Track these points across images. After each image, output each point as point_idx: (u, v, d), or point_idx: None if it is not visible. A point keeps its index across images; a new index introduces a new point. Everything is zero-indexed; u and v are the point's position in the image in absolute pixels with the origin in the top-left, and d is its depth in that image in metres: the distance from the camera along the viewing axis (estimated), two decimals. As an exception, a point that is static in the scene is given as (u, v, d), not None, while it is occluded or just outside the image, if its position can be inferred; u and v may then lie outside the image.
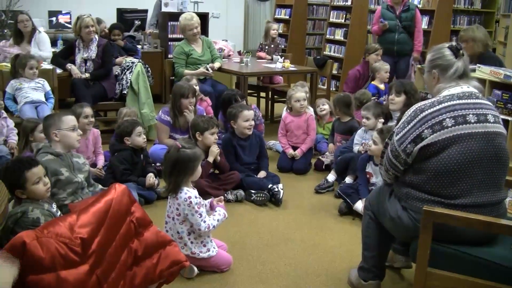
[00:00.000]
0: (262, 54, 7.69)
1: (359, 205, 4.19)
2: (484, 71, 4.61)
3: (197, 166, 3.24)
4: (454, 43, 2.74)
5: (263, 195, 4.55)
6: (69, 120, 3.71)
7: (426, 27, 7.58)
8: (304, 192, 4.86)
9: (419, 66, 5.57)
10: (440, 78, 2.74)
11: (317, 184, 4.93)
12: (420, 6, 8.04)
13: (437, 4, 8.03)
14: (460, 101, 2.59)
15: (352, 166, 4.69)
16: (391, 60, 7.03)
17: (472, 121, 2.55)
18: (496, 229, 2.51)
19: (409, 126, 2.63)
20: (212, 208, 3.33)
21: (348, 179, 4.70)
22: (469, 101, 2.60)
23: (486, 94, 4.54)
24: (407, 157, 2.64)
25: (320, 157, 5.57)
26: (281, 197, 4.54)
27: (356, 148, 4.87)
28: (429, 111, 2.59)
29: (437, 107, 2.58)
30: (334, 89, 9.06)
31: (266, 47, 7.68)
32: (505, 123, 2.70)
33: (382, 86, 6.22)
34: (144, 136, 4.65)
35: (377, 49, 6.65)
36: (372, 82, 6.30)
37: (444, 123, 2.54)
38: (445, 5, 8.10)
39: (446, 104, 2.59)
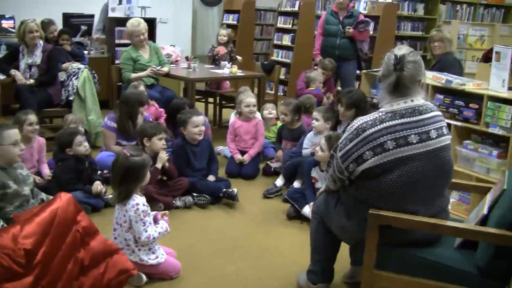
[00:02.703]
0: (221, 48, 7.62)
1: (307, 210, 4.24)
2: (427, 76, 4.73)
3: (146, 173, 3.23)
4: (400, 55, 2.62)
5: (204, 199, 4.60)
6: (11, 134, 3.57)
7: (371, 32, 7.72)
8: (253, 197, 4.88)
9: (365, 71, 5.66)
10: (382, 87, 2.71)
11: (266, 189, 4.96)
12: (365, 12, 8.19)
13: (382, 11, 8.20)
14: (402, 120, 2.57)
15: (300, 170, 4.72)
16: None
17: (414, 141, 2.55)
18: (440, 230, 2.60)
19: (351, 144, 2.62)
20: (155, 221, 3.30)
21: (296, 184, 4.75)
22: (411, 119, 2.58)
23: (429, 99, 4.65)
24: (350, 174, 2.67)
25: (268, 162, 5.61)
26: (235, 193, 4.62)
27: (305, 152, 4.92)
28: (371, 131, 2.57)
29: (379, 127, 2.56)
30: (281, 93, 9.14)
31: (219, 58, 7.66)
32: (447, 126, 2.80)
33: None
34: (86, 144, 4.55)
35: (329, 68, 6.86)
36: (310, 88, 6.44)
37: (385, 146, 2.54)
38: (389, 11, 8.28)
39: (387, 124, 2.56)
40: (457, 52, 7.63)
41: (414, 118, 2.59)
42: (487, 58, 6.45)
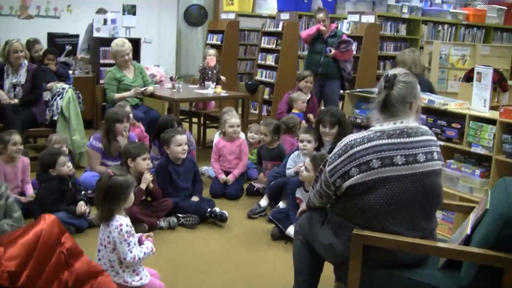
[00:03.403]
0: (211, 60, 7.61)
1: (291, 230, 4.23)
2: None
3: (130, 193, 3.21)
4: (392, 74, 2.67)
5: (193, 219, 4.58)
6: None
7: (354, 53, 7.79)
8: (237, 217, 4.87)
9: (348, 91, 5.70)
10: (373, 106, 2.72)
11: (250, 209, 4.96)
12: (348, 32, 8.26)
13: (365, 31, 8.28)
14: (389, 141, 2.59)
15: (285, 191, 4.74)
16: (317, 83, 7.19)
17: (400, 163, 2.56)
18: (423, 251, 2.61)
19: (339, 160, 2.65)
20: (140, 243, 3.27)
21: (281, 204, 4.76)
22: (398, 140, 2.59)
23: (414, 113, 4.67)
24: (336, 190, 2.69)
25: (252, 182, 5.61)
26: (226, 216, 4.62)
27: (289, 172, 4.93)
28: (358, 148, 2.59)
29: (366, 145, 2.59)
30: (265, 113, 9.16)
31: (209, 72, 7.68)
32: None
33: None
34: (69, 165, 4.51)
35: (307, 76, 6.81)
36: (293, 111, 6.46)
37: (371, 164, 2.56)
38: (372, 31, 8.36)
39: (375, 142, 2.58)
40: (440, 71, 7.73)
41: (402, 140, 2.60)
42: (468, 77, 6.52)
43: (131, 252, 3.12)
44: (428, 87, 5.42)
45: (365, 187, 2.58)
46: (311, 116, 6.68)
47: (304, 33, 7.56)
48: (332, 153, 2.74)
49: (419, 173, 2.60)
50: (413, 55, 5.54)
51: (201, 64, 7.79)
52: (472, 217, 2.78)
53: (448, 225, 4.52)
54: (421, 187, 2.61)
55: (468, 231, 2.63)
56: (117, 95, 6.35)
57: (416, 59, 5.51)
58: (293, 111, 6.46)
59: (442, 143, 4.44)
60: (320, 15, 7.31)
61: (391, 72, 2.69)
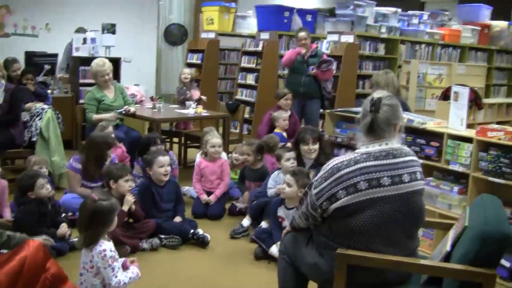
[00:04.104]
0: (195, 93, 7.64)
1: (274, 249, 4.25)
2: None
3: (114, 217, 3.21)
4: (377, 97, 2.72)
5: (175, 240, 4.57)
6: None
7: (334, 72, 7.86)
8: (220, 237, 4.87)
9: (328, 111, 5.76)
10: (359, 129, 2.77)
11: (232, 229, 4.96)
12: (327, 51, 8.35)
13: (344, 50, 8.37)
14: (376, 162, 2.63)
15: (267, 210, 4.75)
16: (298, 102, 7.25)
17: (386, 184, 2.60)
18: (406, 268, 2.65)
19: (326, 183, 2.67)
20: (124, 268, 3.25)
21: (264, 224, 4.77)
22: (385, 161, 2.64)
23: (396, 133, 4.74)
24: (323, 212, 2.71)
25: (234, 202, 5.62)
26: (208, 239, 4.60)
27: (270, 192, 4.96)
28: (345, 171, 2.63)
29: (353, 168, 2.62)
30: (246, 132, 9.19)
31: (187, 91, 7.70)
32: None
33: (285, 134, 6.49)
34: (48, 187, 4.43)
35: (286, 93, 6.86)
36: (276, 130, 6.50)
37: (358, 186, 2.59)
38: (351, 51, 8.45)
39: (361, 165, 2.62)
40: (417, 90, 7.84)
41: (388, 161, 2.65)
42: (445, 96, 6.63)
43: (116, 277, 3.10)
44: (402, 107, 5.50)
45: (352, 209, 2.61)
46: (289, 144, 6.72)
47: (284, 59, 7.59)
48: (318, 176, 2.77)
49: (405, 193, 2.65)
50: (387, 76, 5.62)
51: (180, 88, 7.82)
52: (451, 234, 2.83)
53: (428, 241, 4.57)
54: (406, 207, 2.66)
55: (448, 248, 2.68)
56: (96, 117, 6.29)
57: (390, 81, 5.60)
58: (276, 130, 6.50)
59: (421, 161, 4.44)
60: (302, 34, 7.38)
61: (376, 95, 2.74)
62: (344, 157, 2.72)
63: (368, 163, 2.63)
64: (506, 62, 11.34)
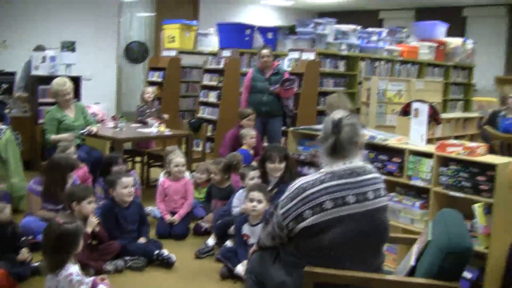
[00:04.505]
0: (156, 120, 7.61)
1: (240, 268, 4.24)
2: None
3: (80, 240, 3.16)
4: (337, 118, 2.78)
5: (140, 261, 4.52)
6: None
7: (296, 89, 7.92)
8: (185, 257, 4.83)
9: (292, 128, 5.79)
10: (322, 150, 2.81)
11: (197, 249, 4.93)
12: (289, 69, 8.41)
13: (305, 68, 8.45)
14: (341, 181, 2.67)
15: (232, 229, 4.75)
16: (260, 121, 7.28)
17: (351, 202, 2.65)
18: (374, 284, 2.68)
19: (292, 203, 2.70)
20: (95, 286, 3.22)
21: (229, 243, 4.76)
22: (349, 180, 2.69)
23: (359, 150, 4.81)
24: (289, 232, 2.73)
25: (199, 221, 5.59)
26: (174, 260, 4.56)
27: (235, 210, 4.96)
28: (311, 191, 2.67)
29: (318, 187, 2.66)
30: (209, 151, 9.18)
31: (147, 110, 7.66)
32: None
33: (252, 152, 6.51)
34: (6, 212, 4.32)
35: (250, 114, 6.89)
36: (243, 147, 6.51)
37: (324, 205, 2.63)
38: (312, 68, 8.54)
39: (327, 184, 2.66)
40: (378, 106, 7.97)
41: (352, 179, 2.70)
42: (405, 111, 6.75)
43: (83, 300, 3.06)
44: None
45: (319, 227, 2.64)
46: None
47: (242, 99, 7.67)
48: (284, 196, 2.79)
49: (370, 210, 2.70)
50: (339, 98, 5.84)
51: (140, 106, 7.78)
52: (415, 249, 2.88)
53: (392, 256, 4.61)
54: (371, 224, 2.70)
55: (413, 262, 2.73)
56: (54, 137, 6.20)
57: (342, 102, 5.82)
58: (243, 147, 6.51)
59: (383, 177, 4.51)
60: (265, 51, 7.41)
61: (336, 116, 2.80)
62: (309, 177, 2.76)
63: (333, 182, 2.67)
64: (461, 77, 11.64)
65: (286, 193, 2.79)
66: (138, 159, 7.72)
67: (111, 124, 7.21)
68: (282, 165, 4.93)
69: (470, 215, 3.89)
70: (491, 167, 3.83)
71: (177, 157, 5.61)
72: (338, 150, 2.74)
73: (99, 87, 11.08)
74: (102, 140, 7.01)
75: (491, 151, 4.30)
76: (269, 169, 4.94)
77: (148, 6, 13.04)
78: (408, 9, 14.54)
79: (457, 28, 13.08)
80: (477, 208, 3.86)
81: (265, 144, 7.48)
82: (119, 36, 12.33)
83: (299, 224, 2.68)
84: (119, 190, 4.76)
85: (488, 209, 3.87)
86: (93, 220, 4.43)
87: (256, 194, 4.31)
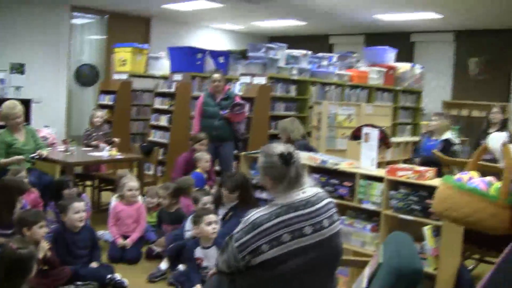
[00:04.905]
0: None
1: (194, 292, 4.25)
2: (303, 157, 4.98)
3: (34, 265, 3.12)
4: (285, 151, 2.80)
5: (92, 286, 4.47)
6: None
7: (247, 113, 7.97)
8: (138, 281, 4.79)
9: (244, 153, 5.82)
10: (274, 185, 2.83)
11: (150, 273, 4.90)
12: (240, 93, 8.45)
13: (257, 92, 8.50)
14: (297, 213, 2.70)
15: (185, 253, 4.75)
16: (211, 145, 7.30)
17: (309, 232, 2.69)
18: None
19: (248, 236, 2.70)
20: None
21: (181, 267, 4.75)
22: (305, 211, 2.72)
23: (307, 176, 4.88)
24: (246, 264, 2.74)
25: (151, 245, 5.56)
26: (126, 284, 4.52)
27: (188, 234, 4.96)
28: (267, 225, 2.67)
29: (275, 221, 2.67)
30: (160, 174, 9.12)
31: (94, 134, 7.60)
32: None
33: (206, 175, 6.54)
34: None
35: (202, 138, 6.93)
36: (196, 170, 6.53)
37: (281, 239, 2.65)
38: (263, 92, 8.59)
39: (283, 218, 2.68)
40: (328, 130, 8.10)
41: (308, 210, 2.73)
42: (355, 135, 6.90)
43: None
44: (307, 149, 5.99)
45: (278, 260, 2.66)
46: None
47: (195, 124, 7.71)
48: (239, 228, 2.79)
49: (327, 238, 2.74)
50: (292, 123, 6.20)
51: (87, 130, 7.72)
52: (366, 271, 2.94)
53: (343, 279, 4.67)
54: (328, 250, 2.76)
55: (365, 285, 2.78)
56: (3, 161, 6.07)
57: (295, 127, 6.08)
58: (197, 171, 6.53)
59: (335, 200, 4.63)
60: (216, 76, 7.44)
61: (280, 149, 2.83)
62: (263, 210, 2.77)
63: (289, 215, 2.69)
64: (410, 101, 11.89)
65: (241, 226, 2.78)
66: (88, 183, 7.62)
67: (61, 148, 7.12)
68: (234, 195, 4.99)
69: (419, 238, 3.99)
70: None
71: (131, 181, 5.59)
72: (291, 181, 2.78)
73: (49, 110, 10.95)
74: (52, 164, 6.90)
75: (440, 175, 4.44)
76: (224, 195, 5.01)
77: (100, 29, 12.98)
78: (358, 34, 14.77)
79: (406, 53, 13.40)
80: (426, 231, 3.97)
81: (217, 168, 7.52)
82: (69, 58, 12.21)
83: (257, 257, 2.68)
84: (70, 215, 4.71)
85: (437, 232, 3.98)
86: (44, 245, 4.36)
87: (213, 217, 4.35)
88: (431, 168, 4.32)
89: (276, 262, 2.66)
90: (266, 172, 2.85)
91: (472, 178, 2.73)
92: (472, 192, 2.64)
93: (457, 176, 2.78)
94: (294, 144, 5.79)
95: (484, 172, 5.23)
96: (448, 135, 6.30)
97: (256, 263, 2.70)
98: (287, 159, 2.78)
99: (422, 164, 5.50)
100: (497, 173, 5.15)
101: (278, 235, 2.66)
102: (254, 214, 2.76)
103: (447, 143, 6.18)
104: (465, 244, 4.14)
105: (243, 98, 7.86)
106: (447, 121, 6.43)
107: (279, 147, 2.85)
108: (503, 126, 7.33)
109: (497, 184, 2.66)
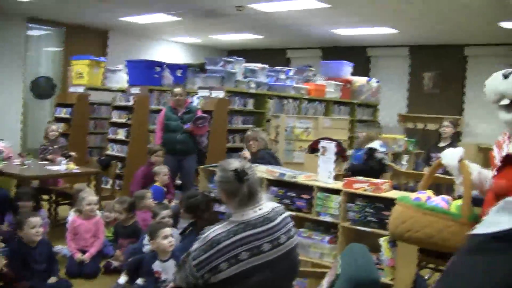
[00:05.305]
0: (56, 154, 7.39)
1: (153, 306, 4.24)
2: (261, 170, 5.03)
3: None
4: (240, 168, 2.80)
5: None
6: None
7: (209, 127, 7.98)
8: (96, 297, 4.78)
9: (202, 166, 5.83)
10: (229, 200, 2.84)
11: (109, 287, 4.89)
12: (199, 107, 8.47)
13: (215, 105, 8.54)
14: (255, 231, 2.71)
15: (143, 267, 4.73)
16: (174, 158, 7.30)
17: (267, 249, 2.71)
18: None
19: (206, 255, 2.69)
20: None
21: (140, 281, 4.72)
22: (262, 228, 2.73)
23: (263, 191, 4.91)
24: (205, 282, 2.73)
25: (109, 260, 5.52)
26: None
27: (146, 248, 4.95)
28: (225, 243, 2.67)
29: (233, 239, 2.68)
30: (118, 188, 9.04)
31: (50, 148, 7.50)
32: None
33: (165, 189, 6.57)
34: None
35: (158, 149, 6.93)
36: (155, 184, 6.52)
37: (239, 257, 2.66)
38: (221, 106, 8.63)
39: (241, 236, 2.69)
40: (286, 143, 8.17)
41: (266, 227, 2.75)
42: (313, 148, 6.98)
43: None
44: (273, 159, 6.14)
45: (236, 278, 2.67)
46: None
47: (156, 138, 7.70)
48: (196, 246, 2.77)
49: (285, 253, 2.78)
50: (259, 133, 6.36)
51: (42, 145, 7.62)
52: (325, 282, 2.99)
53: (302, 291, 4.73)
54: (286, 265, 2.79)
55: (323, 295, 2.84)
56: None
57: (261, 136, 6.28)
58: (156, 184, 6.52)
59: (293, 213, 4.69)
60: (178, 90, 7.46)
61: (235, 165, 2.84)
62: (221, 228, 2.76)
63: (247, 233, 2.71)
64: (367, 115, 12.09)
65: (199, 243, 2.76)
66: (45, 197, 7.51)
67: (18, 161, 7.01)
68: (187, 215, 5.01)
69: (376, 249, 4.06)
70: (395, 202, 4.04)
71: (90, 196, 5.56)
72: (247, 198, 2.79)
73: (4, 123, 10.76)
74: (8, 178, 6.79)
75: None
76: (180, 212, 5.05)
77: (57, 41, 12.84)
78: (315, 48, 14.94)
79: (362, 67, 13.61)
80: (383, 242, 4.04)
81: (178, 181, 7.51)
82: (25, 70, 12.04)
83: (216, 275, 2.69)
84: (26, 230, 4.66)
85: (393, 243, 4.06)
86: (0, 260, 4.30)
87: (168, 231, 4.35)
88: (387, 181, 4.42)
89: (235, 280, 2.68)
90: (222, 186, 2.86)
91: (430, 198, 2.70)
92: (434, 211, 2.56)
93: (415, 195, 2.75)
94: (264, 153, 5.89)
95: (437, 185, 5.41)
96: (375, 144, 6.48)
97: (216, 280, 2.70)
98: (240, 176, 2.78)
99: (348, 171, 6.01)
100: (451, 184, 5.31)
101: (236, 253, 2.67)
102: (212, 232, 2.75)
103: (371, 152, 6.36)
104: (421, 254, 4.24)
105: (202, 111, 7.88)
106: (373, 132, 6.65)
107: (235, 163, 2.86)
108: (453, 140, 7.50)
109: (457, 202, 2.65)
